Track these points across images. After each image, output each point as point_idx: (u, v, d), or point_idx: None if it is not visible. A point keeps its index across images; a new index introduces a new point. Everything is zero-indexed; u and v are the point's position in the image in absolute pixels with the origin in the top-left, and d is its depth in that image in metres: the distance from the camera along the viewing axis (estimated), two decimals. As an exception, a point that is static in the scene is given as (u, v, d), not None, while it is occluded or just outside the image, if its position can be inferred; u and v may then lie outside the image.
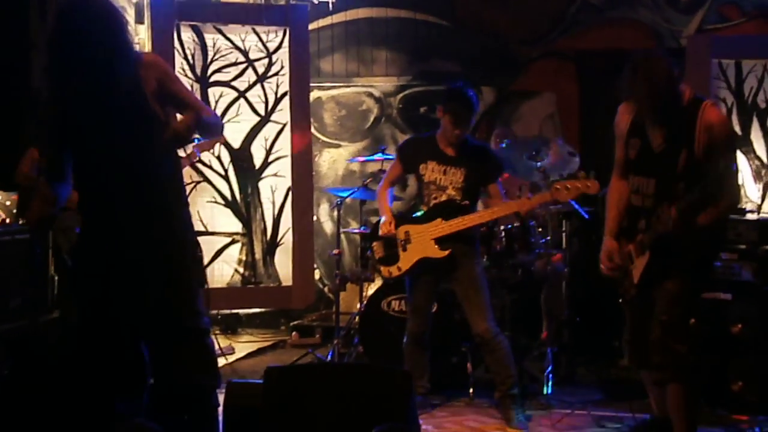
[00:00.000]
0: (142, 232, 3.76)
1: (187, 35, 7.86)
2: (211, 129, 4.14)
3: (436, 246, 5.42)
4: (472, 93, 5.47)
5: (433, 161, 5.52)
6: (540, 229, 6.50)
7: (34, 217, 3.92)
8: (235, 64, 8.02)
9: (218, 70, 7.98)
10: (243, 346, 7.70)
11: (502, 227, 6.27)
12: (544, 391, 6.05)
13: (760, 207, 7.39)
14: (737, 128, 7.57)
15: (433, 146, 5.55)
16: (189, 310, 3.80)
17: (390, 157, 7.00)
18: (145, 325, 3.76)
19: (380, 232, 5.58)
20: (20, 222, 6.32)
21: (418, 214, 5.60)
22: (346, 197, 7.07)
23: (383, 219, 5.60)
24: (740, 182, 7.53)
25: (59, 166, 3.86)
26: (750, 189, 7.57)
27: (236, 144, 7.99)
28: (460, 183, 5.45)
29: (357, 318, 6.93)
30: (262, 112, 8.08)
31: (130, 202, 3.76)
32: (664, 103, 4.23)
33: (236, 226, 8.06)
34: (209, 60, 7.94)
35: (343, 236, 7.92)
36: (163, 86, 3.85)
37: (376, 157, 7.29)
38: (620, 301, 4.61)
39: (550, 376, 6.15)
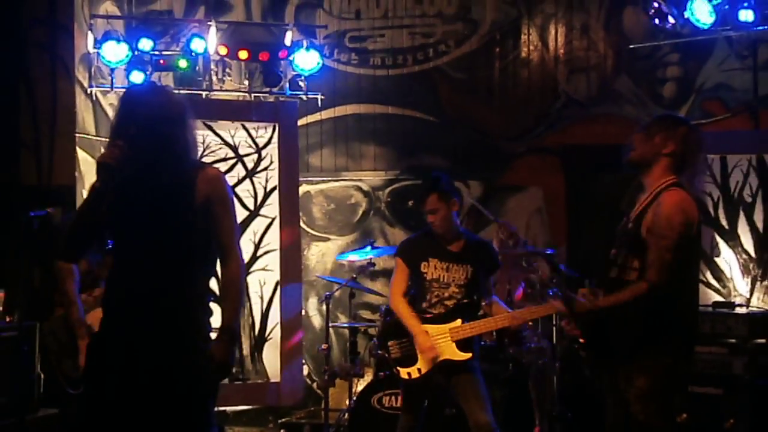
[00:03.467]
0: (162, 340, 3.59)
1: (177, 131, 7.90)
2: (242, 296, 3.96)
3: (457, 349, 5.38)
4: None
5: (435, 258, 5.51)
6: (530, 323, 6.49)
7: None
8: (224, 159, 8.08)
9: (208, 166, 8.02)
10: (230, 444, 7.59)
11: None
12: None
13: (749, 301, 7.39)
14: (724, 222, 7.62)
15: (435, 243, 5.56)
16: (196, 423, 3.62)
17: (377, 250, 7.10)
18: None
19: (420, 353, 5.41)
20: (7, 320, 6.28)
21: (436, 314, 5.49)
22: (336, 290, 7.08)
23: (419, 338, 5.40)
24: (729, 276, 7.58)
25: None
26: (738, 283, 7.59)
27: (225, 238, 7.98)
28: (463, 280, 5.45)
29: (346, 415, 6.85)
30: (252, 207, 8.11)
31: (154, 306, 3.60)
32: (643, 146, 4.33)
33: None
34: (199, 156, 7.98)
35: (331, 330, 7.87)
36: (210, 206, 3.70)
37: (366, 254, 7.29)
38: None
39: (543, 473, 6.07)
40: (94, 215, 3.66)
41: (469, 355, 5.35)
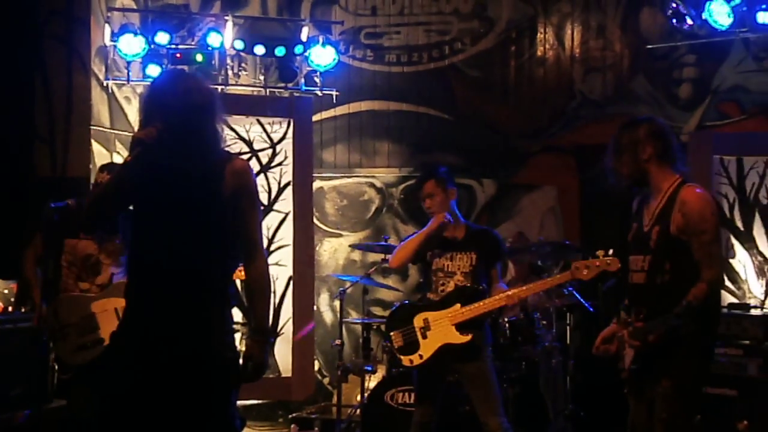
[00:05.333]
0: (184, 331, 3.55)
1: (192, 125, 7.90)
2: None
3: (457, 332, 5.38)
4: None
5: (439, 248, 5.55)
6: (544, 322, 6.49)
7: None
8: (239, 154, 8.06)
9: (222, 160, 8.03)
10: (241, 438, 7.57)
11: (506, 319, 6.27)
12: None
13: (763, 303, 7.38)
14: (739, 224, 7.61)
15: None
16: (220, 416, 3.60)
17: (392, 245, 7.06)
18: (174, 425, 3.55)
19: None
20: (22, 310, 6.29)
21: (434, 300, 5.52)
22: (349, 286, 7.08)
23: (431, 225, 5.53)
24: (744, 278, 7.57)
25: None
26: (753, 285, 7.58)
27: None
28: (467, 268, 5.47)
29: (358, 410, 6.85)
30: (266, 201, 8.12)
31: (177, 296, 3.56)
32: (621, 162, 4.38)
33: (236, 315, 7.99)
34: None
35: (343, 326, 7.87)
36: (237, 199, 3.64)
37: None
38: (625, 390, 4.51)
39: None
40: (121, 189, 3.60)
41: (468, 337, 5.34)
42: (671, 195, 4.26)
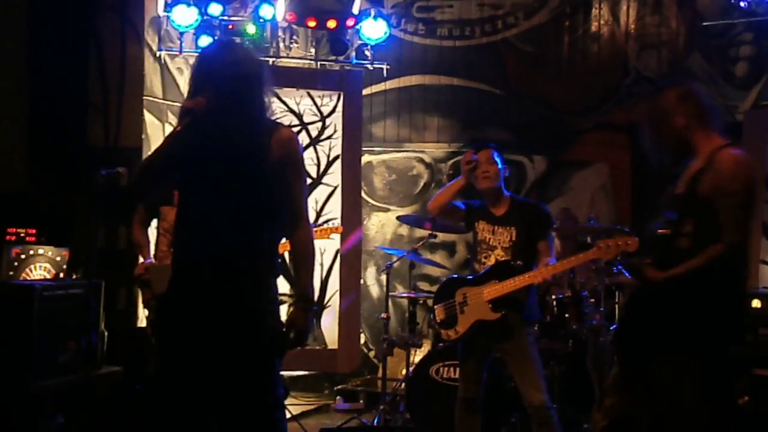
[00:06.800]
0: (229, 299, 3.56)
1: (243, 97, 7.93)
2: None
3: (490, 308, 5.36)
4: None
5: (483, 221, 5.53)
6: (592, 300, 6.43)
7: None
8: (288, 126, 8.07)
9: (272, 132, 8.05)
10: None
11: (553, 297, 6.23)
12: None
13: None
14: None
15: (485, 207, 5.58)
16: (264, 384, 3.63)
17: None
18: (218, 393, 3.58)
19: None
20: (73, 276, 6.37)
21: (475, 275, 5.50)
22: (396, 261, 7.08)
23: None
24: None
25: None
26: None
27: (287, 205, 8.03)
28: (507, 243, 5.43)
29: (403, 384, 6.86)
30: (314, 175, 8.13)
31: (223, 265, 3.57)
32: (660, 136, 4.13)
33: (284, 287, 8.05)
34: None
35: (389, 300, 7.88)
36: (283, 168, 3.64)
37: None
38: None
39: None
40: (170, 158, 3.63)
41: (499, 314, 5.29)
42: (709, 157, 3.97)
